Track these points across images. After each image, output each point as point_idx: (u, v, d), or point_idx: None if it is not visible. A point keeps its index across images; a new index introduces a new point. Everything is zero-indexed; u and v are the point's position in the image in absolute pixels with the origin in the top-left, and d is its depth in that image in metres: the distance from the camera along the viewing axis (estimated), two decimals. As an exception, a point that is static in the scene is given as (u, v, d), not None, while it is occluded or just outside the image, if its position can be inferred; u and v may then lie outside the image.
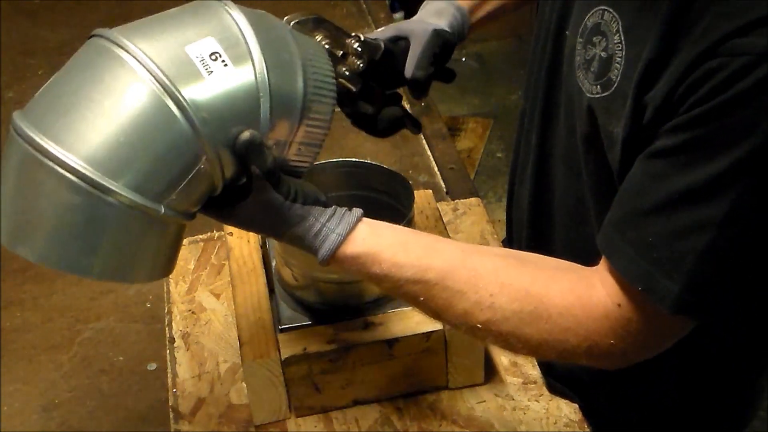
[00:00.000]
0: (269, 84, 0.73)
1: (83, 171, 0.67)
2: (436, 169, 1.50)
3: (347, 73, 0.93)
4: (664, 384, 1.03)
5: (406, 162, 1.52)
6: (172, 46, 0.71)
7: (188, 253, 1.25)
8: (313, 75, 0.79)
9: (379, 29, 1.04)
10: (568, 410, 1.03)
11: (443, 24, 1.02)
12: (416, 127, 1.05)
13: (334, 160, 1.08)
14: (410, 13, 1.22)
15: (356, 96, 0.95)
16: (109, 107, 0.69)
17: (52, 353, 1.24)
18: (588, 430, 1.01)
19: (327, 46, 0.92)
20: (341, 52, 0.93)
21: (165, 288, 1.21)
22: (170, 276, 1.21)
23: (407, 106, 1.08)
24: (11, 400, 1.18)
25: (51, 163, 0.68)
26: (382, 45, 0.97)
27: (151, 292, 1.32)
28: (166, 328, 1.15)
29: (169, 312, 1.17)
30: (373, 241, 0.79)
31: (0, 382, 1.20)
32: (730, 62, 0.68)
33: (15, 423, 1.15)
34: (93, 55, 0.72)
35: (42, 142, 0.68)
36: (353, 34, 0.95)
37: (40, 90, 0.72)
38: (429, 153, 1.55)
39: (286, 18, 0.91)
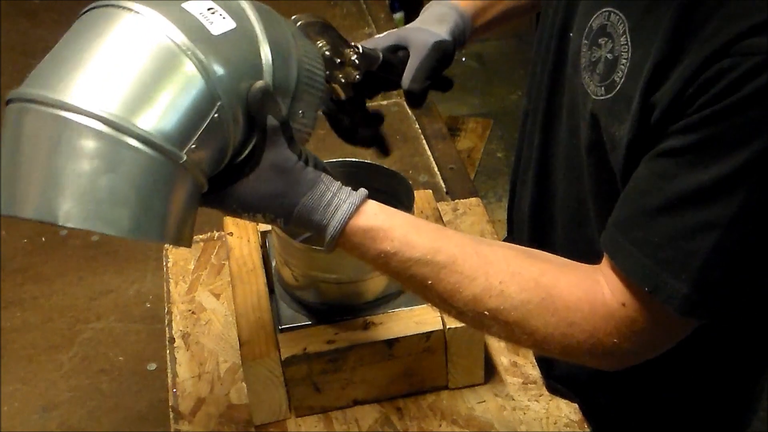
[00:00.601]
0: (267, 37, 0.75)
1: (104, 115, 0.66)
2: (436, 169, 1.50)
3: (343, 80, 0.93)
4: (664, 384, 1.03)
5: (406, 162, 1.52)
6: (169, 4, 0.72)
7: (188, 253, 1.25)
8: (306, 64, 0.80)
9: (381, 35, 1.04)
10: (568, 410, 1.03)
11: (444, 32, 1.02)
12: (384, 153, 1.05)
13: (334, 160, 1.08)
14: (410, 12, 1.21)
15: (343, 104, 0.96)
16: (116, 57, 0.69)
17: (52, 353, 1.24)
18: (588, 430, 1.01)
19: (327, 53, 0.92)
20: (339, 60, 0.94)
21: (165, 288, 1.21)
22: (170, 276, 1.22)
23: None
24: (11, 400, 1.18)
25: (67, 113, 0.66)
26: (381, 57, 0.98)
27: (151, 292, 1.32)
28: (166, 328, 1.15)
29: (169, 312, 1.17)
30: (385, 217, 0.78)
31: (0, 382, 1.20)
32: (743, 62, 0.68)
33: (15, 423, 1.15)
34: (89, 21, 0.72)
35: (54, 96, 0.66)
36: (353, 44, 0.95)
37: (36, 67, 0.71)
38: (429, 153, 1.55)
39: (294, 17, 0.91)
